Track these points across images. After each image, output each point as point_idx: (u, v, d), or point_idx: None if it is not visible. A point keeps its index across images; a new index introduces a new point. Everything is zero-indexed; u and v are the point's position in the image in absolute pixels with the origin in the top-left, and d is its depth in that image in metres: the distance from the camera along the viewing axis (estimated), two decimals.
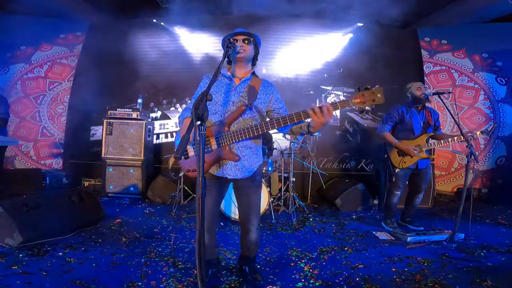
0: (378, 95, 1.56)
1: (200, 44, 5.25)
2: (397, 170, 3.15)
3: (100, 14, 5.16)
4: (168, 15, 5.12)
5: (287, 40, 5.28)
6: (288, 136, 3.93)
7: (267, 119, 1.80)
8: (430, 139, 3.17)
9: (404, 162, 3.11)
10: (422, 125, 3.16)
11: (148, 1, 4.81)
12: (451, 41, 5.35)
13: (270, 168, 3.79)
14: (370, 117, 5.08)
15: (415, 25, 5.38)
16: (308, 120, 1.64)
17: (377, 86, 1.57)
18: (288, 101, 1.95)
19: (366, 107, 1.58)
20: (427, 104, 3.21)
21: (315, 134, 1.66)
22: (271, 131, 4.19)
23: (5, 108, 3.82)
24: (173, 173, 4.08)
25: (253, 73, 1.92)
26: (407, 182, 3.30)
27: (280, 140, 4.22)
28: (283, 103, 1.93)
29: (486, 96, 5.16)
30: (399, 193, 3.21)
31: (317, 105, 1.58)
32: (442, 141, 3.03)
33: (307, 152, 4.55)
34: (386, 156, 3.25)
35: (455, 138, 2.95)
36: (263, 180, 3.38)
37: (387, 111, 3.31)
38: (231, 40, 1.76)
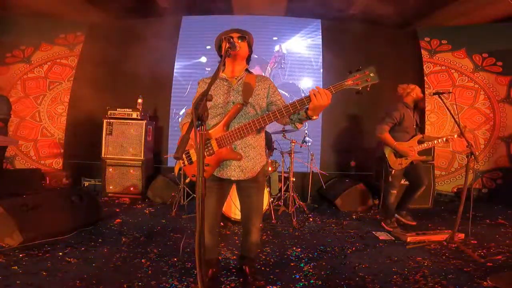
0: (371, 74, 1.52)
1: (200, 43, 5.24)
2: (393, 171, 3.17)
3: (100, 14, 5.16)
4: (168, 14, 5.13)
5: (285, 39, 5.28)
6: (287, 135, 3.93)
7: (265, 113, 1.79)
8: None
9: (400, 164, 3.15)
10: (414, 127, 3.23)
11: (148, 1, 4.82)
12: (451, 41, 5.35)
13: (270, 168, 3.79)
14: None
15: (415, 25, 5.38)
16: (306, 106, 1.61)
17: (369, 66, 1.54)
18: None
19: (360, 88, 1.54)
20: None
21: (315, 118, 1.64)
22: (270, 131, 4.23)
23: (7, 108, 3.81)
24: (172, 173, 4.09)
25: (247, 70, 1.92)
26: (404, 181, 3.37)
27: (280, 140, 4.22)
28: (281, 96, 1.91)
29: (486, 96, 5.16)
30: (395, 192, 3.26)
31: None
32: (430, 142, 3.12)
33: (307, 152, 4.54)
34: (382, 155, 3.24)
35: (439, 139, 3.08)
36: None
37: (386, 110, 3.27)
38: (231, 39, 1.76)
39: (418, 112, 3.32)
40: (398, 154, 3.14)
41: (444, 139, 3.05)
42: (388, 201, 3.28)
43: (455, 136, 3.01)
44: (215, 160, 1.75)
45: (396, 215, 3.37)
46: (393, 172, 3.17)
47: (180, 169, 1.95)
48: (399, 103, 3.24)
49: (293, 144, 3.89)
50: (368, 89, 1.55)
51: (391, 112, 3.17)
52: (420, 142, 3.16)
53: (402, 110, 3.16)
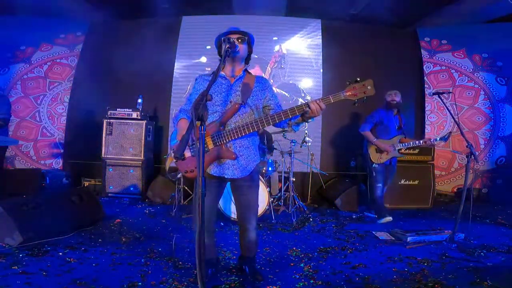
0: (368, 87, 1.61)
1: (200, 43, 5.24)
2: (374, 165, 3.57)
3: (100, 14, 5.16)
4: (168, 14, 5.13)
5: (285, 39, 5.28)
6: (287, 135, 3.93)
7: (263, 116, 1.81)
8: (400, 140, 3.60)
9: (381, 158, 3.55)
10: (396, 128, 3.64)
11: (148, 1, 4.82)
12: (451, 41, 5.35)
13: (270, 168, 3.79)
14: None
15: (415, 25, 5.38)
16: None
17: (368, 79, 1.62)
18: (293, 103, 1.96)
19: (356, 100, 1.64)
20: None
21: (310, 121, 1.76)
22: (270, 131, 4.23)
23: (7, 108, 3.81)
24: (172, 173, 4.08)
25: (246, 70, 1.92)
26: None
27: (280, 140, 4.22)
28: (278, 99, 1.95)
29: (486, 96, 5.16)
30: (380, 185, 3.57)
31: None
32: (411, 142, 3.54)
33: (307, 152, 4.55)
34: (366, 152, 3.65)
35: (416, 142, 3.49)
36: (263, 180, 3.38)
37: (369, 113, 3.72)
38: (231, 40, 1.76)
39: (400, 116, 3.69)
40: (378, 150, 3.56)
41: (421, 141, 3.45)
42: (376, 194, 3.58)
43: (438, 138, 3.30)
44: (209, 157, 1.77)
45: (365, 212, 3.89)
46: (374, 166, 3.57)
47: (177, 171, 1.97)
48: (382, 106, 3.68)
49: (293, 144, 3.89)
50: (364, 101, 1.64)
51: (371, 113, 3.68)
52: (401, 142, 3.57)
53: (381, 112, 3.63)
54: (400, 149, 3.58)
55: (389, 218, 3.47)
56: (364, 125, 3.64)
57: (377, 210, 3.62)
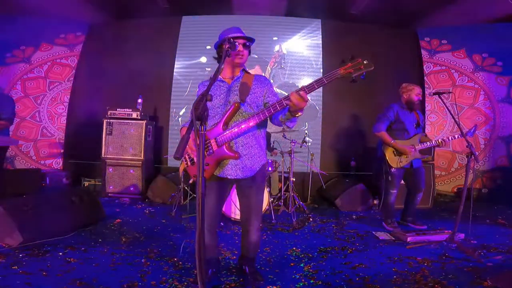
0: (365, 61, 1.55)
1: (200, 43, 5.24)
2: (393, 169, 3.18)
3: (100, 14, 5.16)
4: (168, 14, 5.13)
5: (285, 39, 5.28)
6: (287, 135, 3.93)
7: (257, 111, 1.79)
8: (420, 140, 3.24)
9: (401, 162, 3.16)
10: (414, 125, 3.25)
11: (148, 1, 4.82)
12: (451, 41, 5.35)
13: (270, 168, 3.79)
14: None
15: (415, 25, 5.39)
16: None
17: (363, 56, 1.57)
18: None
19: (354, 77, 1.56)
20: None
21: (297, 115, 1.65)
22: (270, 131, 4.23)
23: (12, 108, 3.80)
24: (172, 173, 4.09)
25: (243, 70, 1.92)
26: (403, 182, 3.38)
27: (280, 140, 4.22)
28: (278, 97, 1.91)
29: (486, 96, 5.16)
30: (395, 191, 3.27)
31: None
32: (430, 142, 3.14)
33: (307, 152, 4.55)
34: (382, 155, 3.25)
35: (438, 140, 3.11)
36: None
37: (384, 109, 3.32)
38: (232, 41, 1.75)
39: (416, 112, 3.31)
40: (397, 152, 3.16)
41: (440, 140, 3.11)
42: (388, 200, 3.29)
43: (456, 136, 2.99)
44: (215, 159, 1.77)
45: (405, 223, 3.40)
46: (393, 171, 3.18)
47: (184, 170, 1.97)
48: (395, 102, 3.29)
49: (292, 144, 3.89)
50: (363, 76, 1.56)
51: (385, 111, 3.24)
52: (422, 141, 3.19)
53: (396, 109, 3.21)
54: (422, 150, 3.18)
55: (398, 229, 3.17)
56: (378, 125, 3.19)
57: (386, 216, 3.33)
